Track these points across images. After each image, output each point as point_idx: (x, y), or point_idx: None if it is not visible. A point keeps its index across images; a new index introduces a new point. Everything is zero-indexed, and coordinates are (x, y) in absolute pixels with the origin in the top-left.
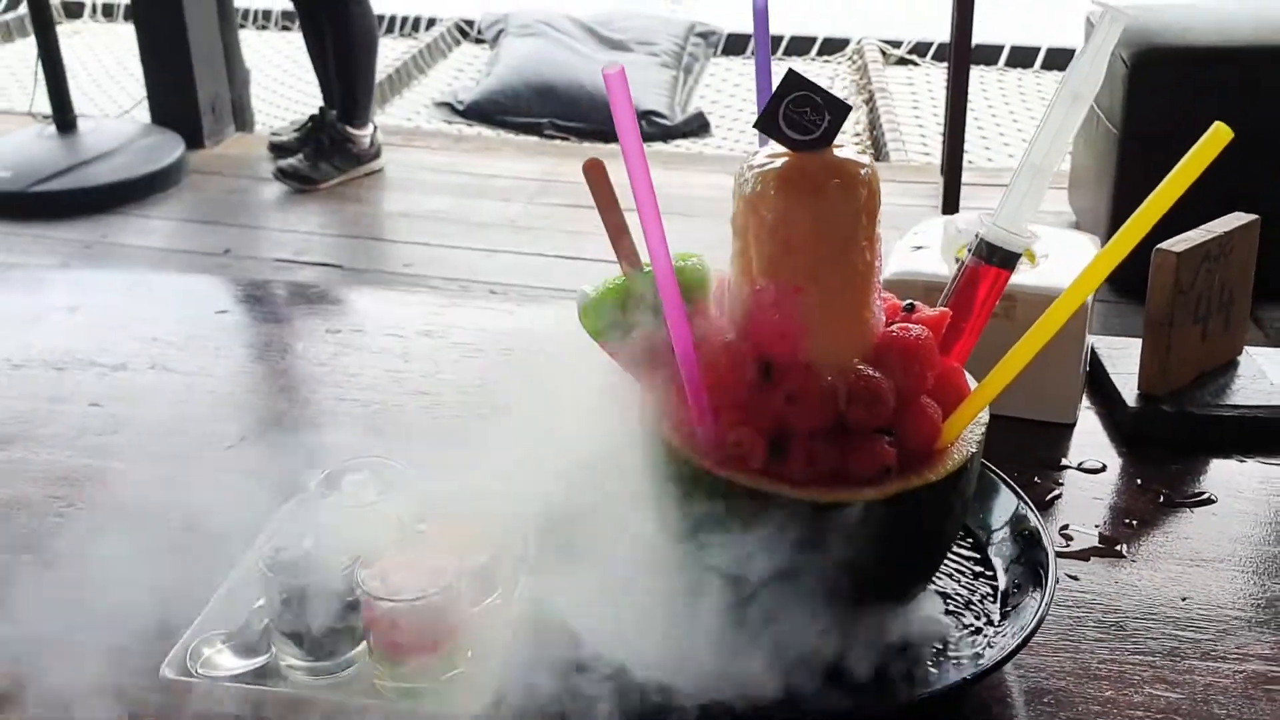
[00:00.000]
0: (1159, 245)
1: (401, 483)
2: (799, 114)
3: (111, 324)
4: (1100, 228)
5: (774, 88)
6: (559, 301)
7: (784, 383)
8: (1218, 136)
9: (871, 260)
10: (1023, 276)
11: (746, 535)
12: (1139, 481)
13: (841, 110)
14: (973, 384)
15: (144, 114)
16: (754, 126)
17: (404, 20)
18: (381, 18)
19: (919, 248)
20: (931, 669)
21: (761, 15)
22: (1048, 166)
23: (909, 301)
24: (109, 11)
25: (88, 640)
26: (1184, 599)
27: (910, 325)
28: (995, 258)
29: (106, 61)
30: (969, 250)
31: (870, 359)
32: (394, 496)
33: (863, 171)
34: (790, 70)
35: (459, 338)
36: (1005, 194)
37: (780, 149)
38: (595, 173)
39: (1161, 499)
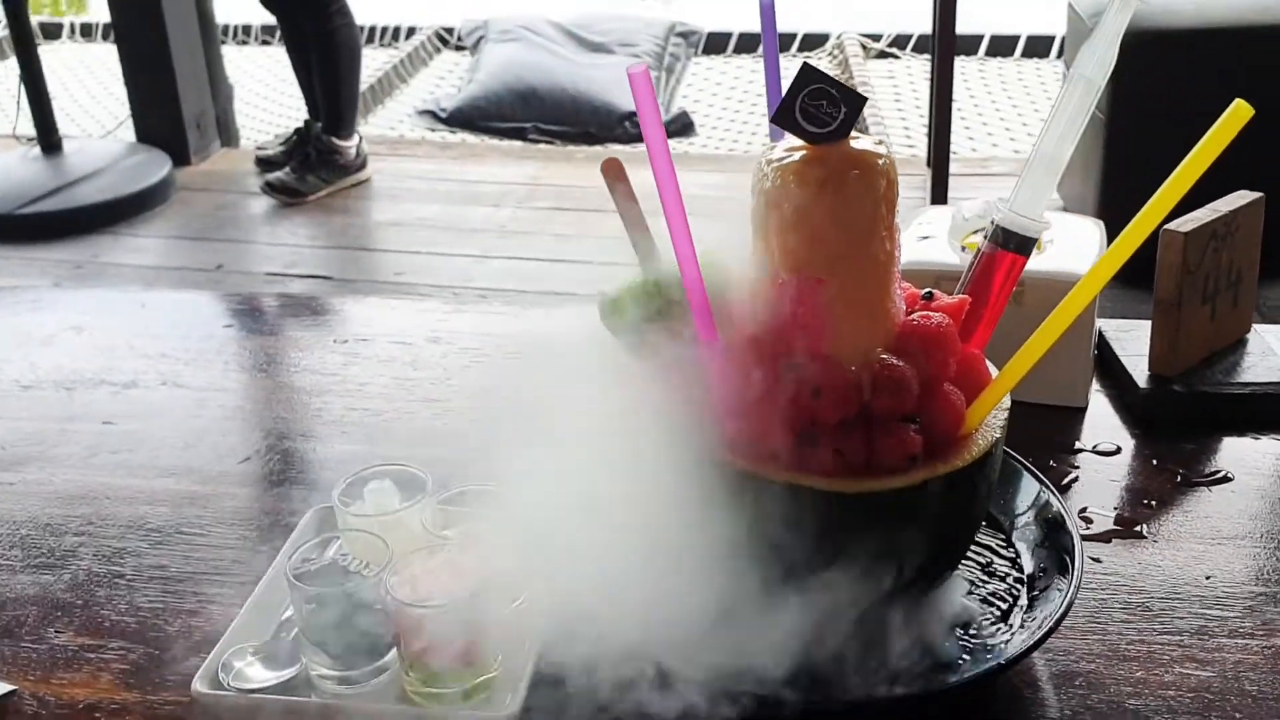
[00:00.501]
0: (1166, 226)
1: (424, 489)
2: (815, 107)
3: (118, 342)
4: (1089, 212)
5: (783, 84)
6: (568, 304)
7: (810, 375)
8: (1237, 114)
9: (891, 250)
10: (1032, 262)
11: (777, 529)
12: (1154, 462)
13: (857, 102)
14: (992, 370)
15: (128, 133)
16: (771, 121)
17: (384, 30)
18: (361, 28)
19: (926, 237)
20: (963, 654)
21: (768, 12)
22: (1061, 153)
23: (928, 290)
24: (87, 31)
25: (116, 657)
26: (1208, 577)
27: (931, 313)
28: (1012, 244)
29: (87, 81)
30: (985, 237)
31: (893, 348)
32: (417, 503)
33: (880, 162)
34: (805, 64)
35: (466, 343)
36: (1019, 180)
37: (797, 142)
38: (614, 172)
39: (1178, 479)
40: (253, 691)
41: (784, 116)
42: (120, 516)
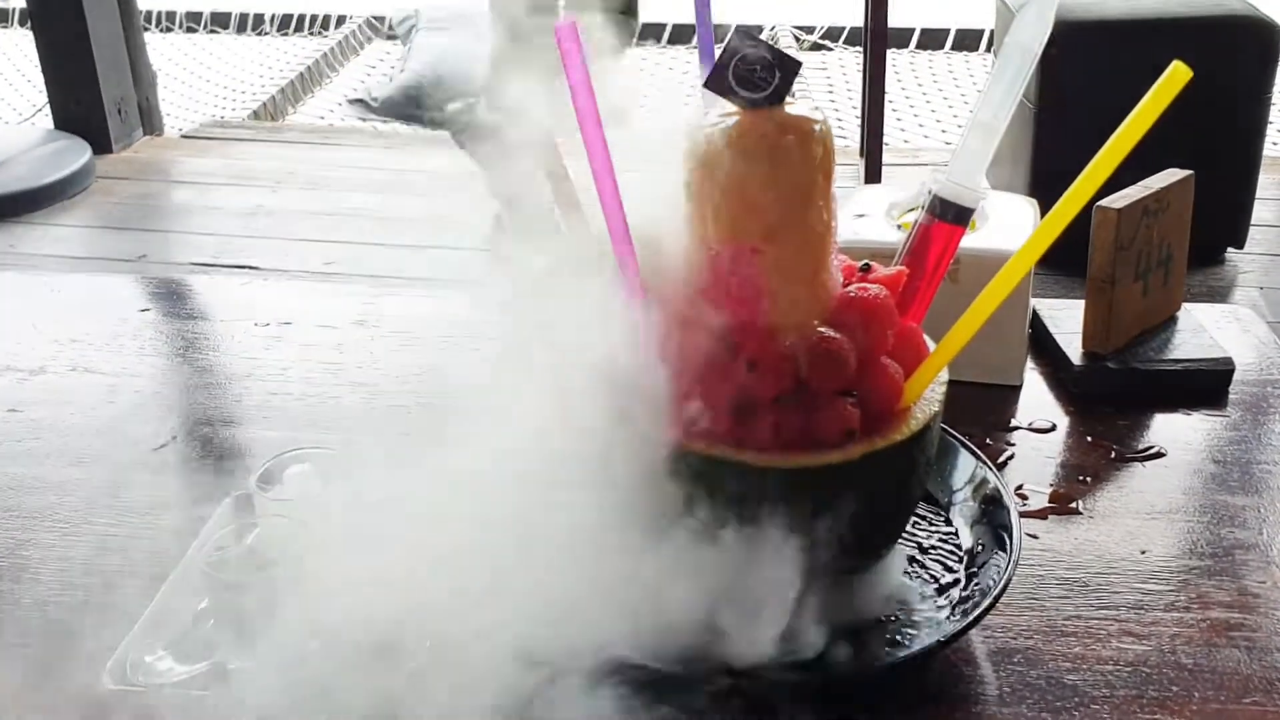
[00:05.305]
0: (1099, 203)
1: (345, 473)
2: (749, 72)
3: (26, 327)
4: None
5: (716, 54)
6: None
7: (745, 349)
8: (1176, 76)
9: (828, 220)
10: (966, 240)
11: (714, 506)
12: (1089, 439)
13: (792, 66)
14: (930, 344)
15: (46, 120)
16: (703, 86)
17: (313, 18)
18: (290, 16)
19: (861, 215)
20: (902, 631)
21: None
22: (999, 122)
23: (865, 262)
24: (2, 17)
25: (20, 654)
26: (1143, 552)
27: (868, 285)
28: (949, 214)
29: (3, 67)
30: (922, 208)
31: (830, 320)
32: (338, 487)
33: (817, 128)
34: (738, 28)
35: (394, 327)
36: (956, 150)
37: (731, 108)
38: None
39: (1112, 455)
40: (165, 686)
41: (717, 81)
42: (25, 507)
